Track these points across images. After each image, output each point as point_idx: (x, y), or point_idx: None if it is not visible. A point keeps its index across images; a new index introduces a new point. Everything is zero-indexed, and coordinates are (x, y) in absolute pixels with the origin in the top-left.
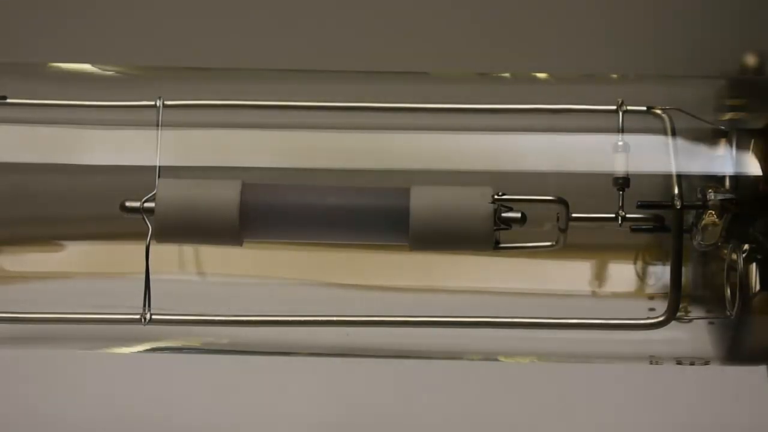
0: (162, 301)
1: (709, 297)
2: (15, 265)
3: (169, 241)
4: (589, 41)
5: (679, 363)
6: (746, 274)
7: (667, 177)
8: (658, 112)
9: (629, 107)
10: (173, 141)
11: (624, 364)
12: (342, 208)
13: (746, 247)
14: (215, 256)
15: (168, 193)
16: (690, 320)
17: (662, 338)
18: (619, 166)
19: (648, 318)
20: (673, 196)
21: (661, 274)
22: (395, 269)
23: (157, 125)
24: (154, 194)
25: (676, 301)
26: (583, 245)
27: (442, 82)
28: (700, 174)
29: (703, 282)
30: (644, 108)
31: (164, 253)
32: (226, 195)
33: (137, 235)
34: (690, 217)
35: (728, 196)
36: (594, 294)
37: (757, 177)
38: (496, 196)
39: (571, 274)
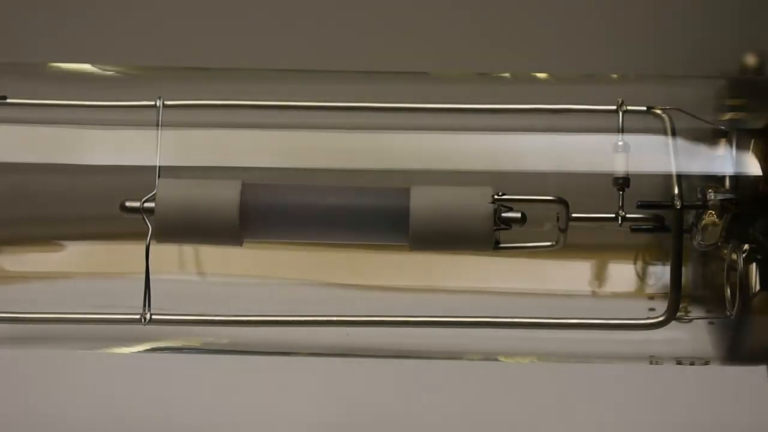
0: (162, 301)
1: (709, 297)
2: (15, 265)
3: (169, 241)
4: (589, 41)
5: (679, 363)
6: (746, 274)
7: (667, 177)
8: (658, 112)
9: (629, 107)
10: (173, 141)
11: (624, 364)
12: (342, 208)
13: (746, 247)
14: (215, 256)
15: (168, 193)
16: (690, 320)
17: (662, 338)
18: (619, 166)
19: (648, 318)
20: (673, 196)
21: (661, 274)
22: (395, 269)
23: (157, 125)
24: (154, 194)
25: (676, 301)
26: (583, 245)
27: (442, 82)
28: (700, 174)
29: (703, 282)
30: (644, 108)
31: (164, 253)
32: (226, 195)
33: (137, 235)
34: (690, 217)
35: (728, 196)
36: (594, 294)
37: (757, 177)
38: (496, 196)
39: (571, 274)
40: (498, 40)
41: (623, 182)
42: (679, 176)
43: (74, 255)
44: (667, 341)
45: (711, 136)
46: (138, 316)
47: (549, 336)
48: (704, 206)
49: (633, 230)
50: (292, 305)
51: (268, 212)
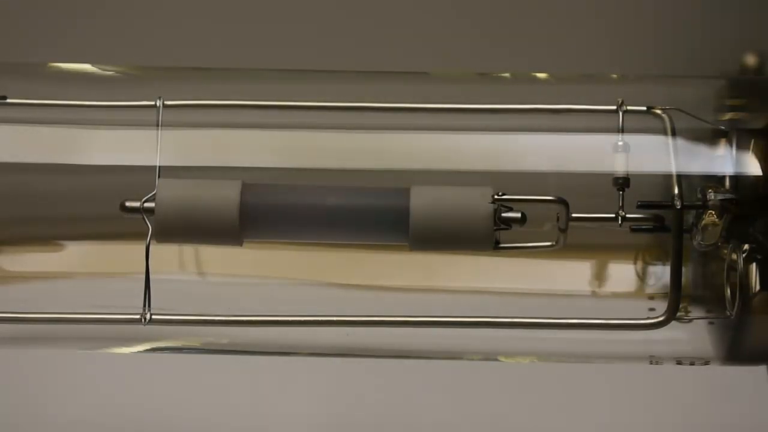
0: (162, 301)
1: (709, 297)
2: (15, 265)
3: (169, 241)
4: (589, 41)
5: (679, 363)
6: (746, 274)
7: (667, 177)
8: (658, 112)
9: (629, 107)
10: (173, 141)
11: (624, 364)
12: (342, 208)
13: (746, 247)
14: (215, 256)
15: (168, 193)
16: (690, 320)
17: (662, 338)
18: (619, 166)
19: (648, 318)
20: (673, 196)
21: (661, 274)
22: (395, 269)
23: (157, 125)
24: (154, 194)
25: (676, 301)
26: (583, 245)
27: (442, 82)
28: (700, 174)
29: (703, 282)
30: (644, 108)
31: (164, 253)
32: (226, 195)
33: (137, 235)
34: (690, 217)
35: (728, 196)
36: (594, 294)
37: (757, 177)
38: (496, 196)
39: (571, 274)
40: (498, 40)
41: (623, 182)
42: (679, 176)
43: (74, 255)
44: (667, 341)
45: (711, 136)
46: (138, 316)
47: (549, 336)
48: (704, 206)
49: (633, 230)
50: (292, 305)
51: (268, 212)
